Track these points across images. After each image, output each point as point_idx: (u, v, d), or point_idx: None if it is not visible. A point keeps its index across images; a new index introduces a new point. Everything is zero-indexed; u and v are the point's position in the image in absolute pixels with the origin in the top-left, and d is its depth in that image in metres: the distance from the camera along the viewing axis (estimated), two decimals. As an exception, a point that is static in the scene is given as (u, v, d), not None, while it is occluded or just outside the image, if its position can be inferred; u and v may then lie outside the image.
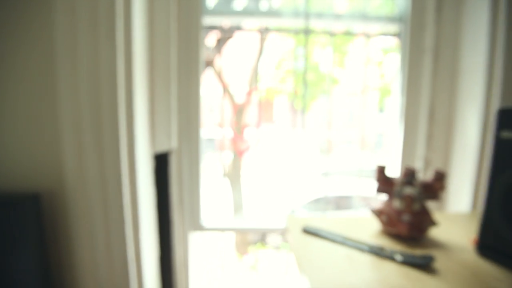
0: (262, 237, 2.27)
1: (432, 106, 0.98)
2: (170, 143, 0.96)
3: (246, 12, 1.09)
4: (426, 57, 0.97)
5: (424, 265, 0.46)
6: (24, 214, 0.79)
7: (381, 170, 0.60)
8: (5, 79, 0.82)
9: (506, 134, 0.47)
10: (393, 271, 0.46)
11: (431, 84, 0.97)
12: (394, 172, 0.64)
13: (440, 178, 0.57)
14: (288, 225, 0.65)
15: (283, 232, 1.17)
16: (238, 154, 1.58)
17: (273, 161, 1.59)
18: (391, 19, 1.03)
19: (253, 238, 2.19)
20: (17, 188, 0.83)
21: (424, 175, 0.99)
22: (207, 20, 1.00)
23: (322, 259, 0.50)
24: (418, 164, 1.01)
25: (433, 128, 0.98)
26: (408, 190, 0.56)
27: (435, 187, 0.57)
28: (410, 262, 0.47)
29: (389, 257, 0.50)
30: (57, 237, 0.87)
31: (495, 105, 0.85)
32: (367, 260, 0.50)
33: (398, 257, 0.49)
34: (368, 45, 1.24)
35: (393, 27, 1.03)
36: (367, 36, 1.12)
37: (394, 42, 1.10)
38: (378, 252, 0.51)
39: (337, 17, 1.02)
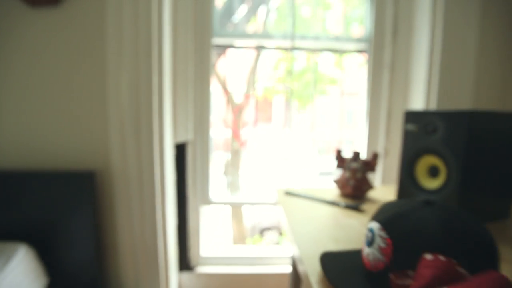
0: (260, 232, 2.52)
1: (389, 108, 1.27)
2: (187, 136, 1.25)
3: (245, 35, 1.37)
4: (385, 70, 1.26)
5: (356, 207, 0.75)
6: (83, 187, 1.07)
7: (338, 153, 0.89)
8: (73, 88, 1.10)
9: (409, 126, 0.76)
10: (340, 212, 0.75)
11: (389, 90, 1.26)
12: (348, 154, 0.89)
13: (375, 158, 0.86)
14: (276, 192, 0.93)
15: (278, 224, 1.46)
16: (238, 143, 1.87)
17: (268, 153, 1.87)
18: (360, 40, 1.31)
19: (251, 232, 2.44)
20: (78, 168, 1.12)
21: (384, 159, 1.28)
22: (215, 40, 1.28)
23: (296, 209, 0.79)
24: (380, 151, 1.29)
25: (390, 125, 1.27)
26: (353, 165, 0.84)
27: (372, 163, 0.86)
28: (349, 206, 0.76)
29: (338, 205, 0.78)
30: (105, 204, 1.15)
31: (433, 106, 1.13)
32: (325, 207, 0.79)
33: (342, 204, 0.77)
34: (343, 60, 1.52)
35: (362, 46, 1.31)
36: (342, 52, 1.40)
37: (363, 58, 1.38)
38: (332, 203, 0.80)
39: (317, 38, 1.31)
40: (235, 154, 1.89)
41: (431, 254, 0.34)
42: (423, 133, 0.72)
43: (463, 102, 1.13)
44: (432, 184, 0.71)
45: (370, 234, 0.42)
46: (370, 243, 0.41)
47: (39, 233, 1.05)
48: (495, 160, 0.67)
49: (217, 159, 1.85)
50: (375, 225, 0.41)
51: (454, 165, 0.65)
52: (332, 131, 1.83)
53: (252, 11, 1.93)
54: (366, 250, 0.42)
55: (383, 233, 0.39)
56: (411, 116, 0.77)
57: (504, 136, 0.68)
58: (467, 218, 0.39)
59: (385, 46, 1.26)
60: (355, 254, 0.47)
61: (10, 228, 1.04)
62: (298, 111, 2.17)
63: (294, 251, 0.59)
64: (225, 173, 1.83)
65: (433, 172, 0.72)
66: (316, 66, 1.64)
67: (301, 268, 0.53)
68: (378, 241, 0.39)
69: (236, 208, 2.01)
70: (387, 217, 0.41)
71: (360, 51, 1.34)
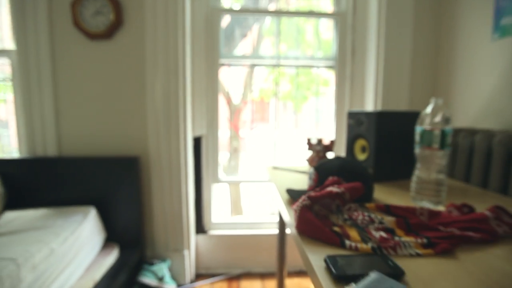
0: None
1: (350, 108, 1.72)
2: (202, 131, 1.68)
3: (242, 56, 1.80)
4: (346, 81, 1.71)
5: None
6: (130, 168, 1.49)
7: (308, 140, 1.33)
8: (121, 97, 1.52)
9: (350, 121, 1.21)
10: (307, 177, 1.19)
11: (350, 96, 1.71)
12: (316, 140, 1.32)
13: (332, 143, 1.30)
14: (267, 168, 1.37)
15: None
16: (238, 137, 2.31)
17: (262, 144, 2.31)
18: (328, 59, 1.76)
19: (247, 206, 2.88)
20: (127, 154, 1.54)
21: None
22: (221, 61, 1.71)
23: (282, 178, 1.23)
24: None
25: (352, 121, 1.72)
26: (317, 148, 1.29)
27: (330, 146, 1.30)
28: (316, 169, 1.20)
29: (307, 173, 1.23)
30: (144, 181, 1.58)
31: (379, 107, 1.58)
32: (300, 175, 1.23)
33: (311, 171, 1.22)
34: (318, 74, 1.97)
35: (330, 63, 1.76)
36: (317, 67, 1.85)
37: (331, 72, 1.83)
38: (304, 172, 1.24)
39: (296, 57, 1.75)
40: (235, 151, 2.33)
41: (331, 177, 0.78)
42: (356, 125, 1.17)
43: (401, 104, 1.58)
44: (362, 156, 1.16)
45: (309, 175, 0.86)
46: (309, 178, 0.86)
47: (101, 201, 1.48)
48: (394, 141, 1.11)
49: (222, 151, 2.28)
50: (312, 170, 0.86)
51: (372, 145, 1.09)
52: (311, 126, 2.26)
53: (245, 35, 2.38)
54: (308, 182, 0.86)
55: (314, 171, 0.84)
56: (350, 115, 1.21)
57: (398, 126, 1.12)
58: (353, 162, 0.84)
59: (346, 63, 1.71)
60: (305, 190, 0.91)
61: (83, 197, 1.46)
62: (293, 111, 2.63)
63: (280, 213, 1.03)
64: (228, 160, 2.28)
65: (363, 149, 1.17)
66: (299, 76, 2.08)
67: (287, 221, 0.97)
68: (312, 176, 0.84)
69: (235, 186, 2.48)
70: (317, 164, 0.85)
71: (329, 67, 1.78)
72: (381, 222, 0.63)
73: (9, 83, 1.66)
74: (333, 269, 0.46)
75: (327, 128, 1.88)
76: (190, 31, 1.55)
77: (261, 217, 1.87)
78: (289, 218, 0.72)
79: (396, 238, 0.57)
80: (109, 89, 1.52)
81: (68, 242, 1.14)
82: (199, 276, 1.74)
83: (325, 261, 0.49)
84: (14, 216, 1.30)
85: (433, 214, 0.69)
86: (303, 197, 0.65)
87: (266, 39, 2.50)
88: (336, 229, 0.60)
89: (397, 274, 0.44)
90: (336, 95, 1.74)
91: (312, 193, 0.67)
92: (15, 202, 1.44)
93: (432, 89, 1.64)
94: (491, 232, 0.61)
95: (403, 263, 0.49)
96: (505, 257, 0.54)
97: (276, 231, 1.55)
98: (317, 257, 0.52)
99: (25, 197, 1.46)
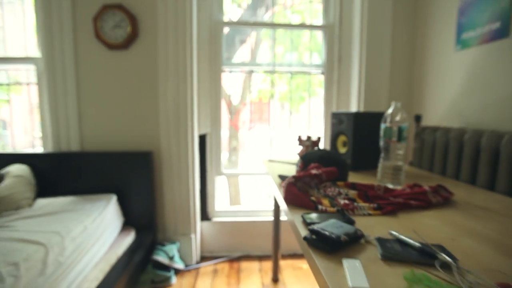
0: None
1: (337, 109, 1.94)
2: (206, 130, 1.90)
3: (242, 63, 2.02)
4: (334, 85, 1.93)
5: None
6: (144, 162, 1.71)
7: (299, 137, 1.55)
8: (136, 99, 1.74)
9: (333, 120, 1.43)
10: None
11: (337, 98, 1.93)
12: (305, 137, 1.53)
13: (318, 139, 1.52)
14: (263, 161, 1.59)
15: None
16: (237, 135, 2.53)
17: (259, 141, 2.53)
18: (318, 66, 1.98)
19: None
20: (141, 149, 1.76)
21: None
22: (223, 68, 1.93)
23: (276, 168, 1.45)
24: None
25: (339, 121, 1.94)
26: (307, 143, 1.51)
27: (317, 142, 1.52)
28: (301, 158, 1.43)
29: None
30: (156, 173, 1.79)
31: (362, 108, 1.80)
32: (291, 167, 1.45)
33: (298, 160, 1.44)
34: (310, 78, 2.18)
35: (320, 69, 1.98)
36: (309, 73, 2.07)
37: (321, 77, 2.05)
38: (295, 163, 1.46)
39: (290, 65, 1.97)
40: (234, 148, 2.55)
41: (313, 163, 1.01)
42: (338, 123, 1.39)
43: (380, 105, 1.80)
44: (343, 149, 1.38)
45: (297, 163, 1.08)
46: (297, 165, 1.08)
47: (119, 191, 1.69)
48: (368, 137, 1.33)
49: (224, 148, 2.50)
50: (299, 159, 1.08)
51: (350, 140, 1.32)
52: (305, 124, 2.48)
53: (244, 41, 2.60)
54: (296, 169, 1.09)
55: (300, 160, 1.06)
56: (333, 115, 1.44)
57: (372, 125, 1.34)
58: (331, 153, 1.06)
59: (334, 69, 1.93)
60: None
61: (103, 187, 1.68)
62: (291, 112, 2.86)
63: (276, 201, 1.24)
64: (229, 155, 2.50)
65: (344, 144, 1.39)
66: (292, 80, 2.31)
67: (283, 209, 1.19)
68: (298, 163, 1.06)
69: (234, 179, 2.71)
70: (303, 155, 1.08)
71: (318, 73, 2.01)
72: (346, 194, 0.86)
73: (36, 87, 1.88)
74: (306, 220, 0.68)
75: (318, 126, 2.10)
76: (196, 42, 1.76)
77: (258, 206, 2.09)
78: (280, 195, 0.94)
79: (355, 204, 0.79)
80: (126, 92, 1.74)
81: (97, 221, 1.35)
82: (203, 258, 1.96)
83: (302, 216, 0.71)
84: (46, 202, 1.51)
85: (387, 189, 0.91)
86: (290, 177, 0.88)
87: (263, 41, 2.73)
88: (313, 198, 0.83)
89: (349, 221, 0.66)
90: (325, 97, 1.97)
91: (296, 174, 0.89)
92: (45, 191, 1.65)
93: (407, 92, 1.87)
94: (427, 201, 0.83)
95: (358, 219, 0.72)
96: (432, 216, 0.77)
97: (271, 218, 1.77)
98: (297, 216, 0.74)
99: (52, 187, 1.67)
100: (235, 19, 2.30)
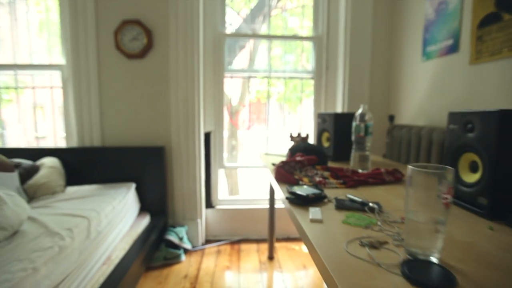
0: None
1: (325, 110, 2.22)
2: (211, 128, 2.17)
3: (241, 70, 2.29)
4: (322, 89, 2.22)
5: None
6: (158, 155, 1.98)
7: (290, 134, 1.83)
8: (151, 101, 2.01)
9: (319, 120, 1.71)
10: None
11: (324, 101, 2.21)
12: (296, 134, 1.81)
13: (307, 136, 1.80)
14: (260, 155, 1.86)
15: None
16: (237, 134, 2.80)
17: (257, 138, 2.80)
18: (309, 72, 2.26)
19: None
20: (155, 145, 2.03)
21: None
22: (225, 74, 2.20)
23: (270, 160, 1.72)
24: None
25: (326, 120, 2.22)
26: (297, 139, 1.79)
27: (305, 138, 1.80)
28: (289, 150, 1.71)
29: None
30: (168, 166, 2.07)
31: (346, 109, 2.08)
32: (283, 158, 1.72)
33: (287, 151, 1.72)
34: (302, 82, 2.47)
35: (310, 75, 2.26)
36: (300, 79, 2.35)
37: (311, 82, 2.33)
38: (286, 155, 1.74)
39: (284, 71, 2.25)
40: (234, 146, 2.83)
41: (298, 153, 1.28)
42: (322, 122, 1.67)
43: (362, 107, 2.08)
44: (327, 144, 1.66)
45: (286, 154, 1.36)
46: (286, 155, 1.36)
47: (136, 180, 1.96)
48: (346, 133, 1.61)
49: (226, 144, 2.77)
50: (287, 150, 1.36)
51: (332, 136, 1.59)
52: (298, 123, 2.76)
53: (244, 46, 2.88)
54: (285, 158, 1.37)
55: (288, 151, 1.34)
56: (318, 115, 1.72)
57: (349, 123, 1.62)
58: (312, 145, 1.34)
59: (322, 75, 2.22)
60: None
61: (124, 176, 1.95)
62: (288, 112, 3.14)
63: (271, 190, 1.52)
64: (230, 151, 2.78)
65: (327, 139, 1.67)
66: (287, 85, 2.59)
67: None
68: (287, 154, 1.34)
69: (233, 171, 2.99)
70: (291, 147, 1.36)
71: (309, 78, 2.29)
72: (322, 175, 1.13)
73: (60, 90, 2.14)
74: (290, 190, 0.96)
75: (309, 125, 2.38)
76: (202, 51, 2.04)
77: (256, 195, 2.36)
78: (272, 176, 1.21)
79: (327, 180, 1.07)
80: (141, 95, 2.01)
81: (121, 204, 1.63)
82: (208, 241, 2.23)
83: (287, 187, 0.99)
84: (76, 189, 1.78)
85: (354, 171, 1.19)
86: (279, 162, 1.15)
87: (261, 44, 2.99)
88: (296, 177, 1.10)
89: (318, 189, 0.94)
90: (314, 99, 2.25)
91: (285, 160, 1.17)
92: (72, 181, 1.92)
93: (384, 95, 2.15)
94: (381, 179, 1.11)
95: (327, 190, 0.99)
96: (382, 189, 1.04)
97: (267, 206, 2.04)
98: (284, 189, 1.02)
99: (78, 177, 1.94)
100: (236, 26, 2.59)
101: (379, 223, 0.70)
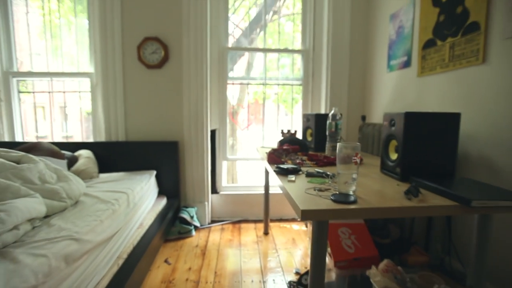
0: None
1: (312, 112, 2.65)
2: (216, 126, 2.59)
3: (240, 77, 2.72)
4: (309, 94, 2.65)
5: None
6: (173, 149, 2.40)
7: (281, 130, 2.25)
8: (167, 103, 2.43)
9: (304, 119, 2.14)
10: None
11: (311, 103, 2.65)
12: (286, 131, 2.24)
13: (295, 132, 2.23)
14: (257, 148, 2.29)
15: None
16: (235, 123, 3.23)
17: (254, 134, 3.23)
18: (298, 79, 2.69)
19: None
20: (171, 140, 2.45)
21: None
22: (228, 81, 2.63)
23: (265, 150, 2.15)
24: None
25: (313, 120, 2.65)
26: (287, 135, 2.21)
27: (294, 134, 2.23)
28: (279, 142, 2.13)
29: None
30: (180, 158, 2.49)
31: (328, 111, 2.51)
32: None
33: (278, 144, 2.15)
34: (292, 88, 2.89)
35: (299, 82, 2.69)
36: (292, 85, 2.77)
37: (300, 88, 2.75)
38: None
39: (277, 78, 2.68)
40: (235, 141, 3.26)
41: (286, 143, 1.71)
42: (307, 121, 2.10)
43: (342, 108, 2.51)
44: (310, 138, 2.09)
45: (277, 145, 1.79)
46: (277, 146, 1.78)
47: (155, 168, 2.38)
48: (325, 130, 2.04)
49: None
50: (278, 142, 1.79)
51: (314, 132, 2.02)
52: (289, 122, 3.19)
53: (243, 54, 3.31)
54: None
55: (278, 143, 1.77)
56: (303, 115, 2.15)
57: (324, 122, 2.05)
58: (297, 138, 1.77)
59: (309, 82, 2.65)
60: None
61: (145, 166, 2.36)
62: (286, 113, 3.57)
63: (265, 179, 1.94)
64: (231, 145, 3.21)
65: (311, 135, 2.10)
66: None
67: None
68: (277, 145, 1.77)
69: (233, 162, 3.42)
70: (280, 140, 1.79)
71: (298, 84, 2.72)
72: (301, 159, 1.56)
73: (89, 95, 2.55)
74: (277, 169, 1.39)
75: (299, 123, 2.80)
76: (209, 62, 2.45)
77: (253, 183, 2.79)
78: (266, 160, 1.64)
79: (304, 162, 1.50)
80: (159, 99, 2.43)
81: (146, 186, 2.04)
82: (213, 221, 2.65)
83: (276, 167, 1.42)
84: (107, 176, 2.19)
85: (326, 157, 1.62)
86: (271, 149, 1.58)
87: (258, 52, 3.42)
88: (282, 160, 1.53)
89: (297, 166, 1.37)
90: (303, 102, 2.68)
91: (275, 148, 1.60)
92: (102, 169, 2.33)
93: (360, 98, 2.59)
94: (344, 162, 1.54)
95: (304, 168, 1.42)
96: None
97: (263, 192, 2.46)
98: (273, 166, 1.44)
99: (106, 166, 2.35)
100: (237, 36, 3.00)
101: (329, 182, 1.13)
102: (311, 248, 0.90)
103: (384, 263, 1.19)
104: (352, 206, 0.85)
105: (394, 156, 1.25)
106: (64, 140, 2.78)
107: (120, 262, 1.41)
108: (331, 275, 1.73)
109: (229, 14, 2.63)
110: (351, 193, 0.94)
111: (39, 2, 2.57)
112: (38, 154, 1.72)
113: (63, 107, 2.93)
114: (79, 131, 2.82)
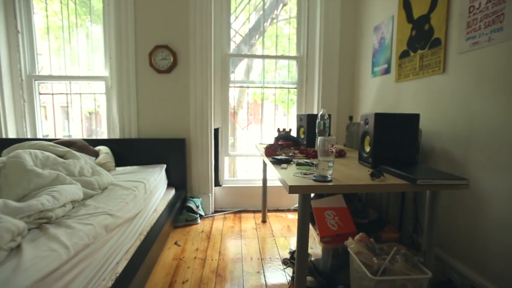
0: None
1: (305, 112, 2.93)
2: (219, 125, 2.87)
3: (240, 81, 3.01)
4: (303, 96, 2.93)
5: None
6: (180, 145, 2.68)
7: (278, 128, 2.53)
8: (175, 104, 2.71)
9: (297, 119, 2.42)
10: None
11: (305, 104, 2.93)
12: (282, 129, 2.52)
13: (290, 130, 2.51)
14: (256, 144, 2.57)
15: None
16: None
17: (253, 132, 3.51)
18: (293, 83, 2.98)
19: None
20: (177, 137, 2.73)
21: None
22: (230, 84, 2.91)
23: (263, 146, 2.43)
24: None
25: (306, 119, 2.94)
26: (282, 132, 2.49)
27: (289, 132, 2.51)
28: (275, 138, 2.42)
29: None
30: (187, 153, 2.77)
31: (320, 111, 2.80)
32: (271, 145, 2.43)
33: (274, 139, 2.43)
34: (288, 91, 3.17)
35: (294, 85, 2.97)
36: (288, 88, 3.06)
37: (296, 91, 3.03)
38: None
39: (274, 82, 2.97)
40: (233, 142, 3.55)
41: (281, 139, 2.00)
42: (300, 120, 2.38)
43: (332, 109, 2.80)
44: (303, 136, 2.37)
45: (273, 141, 2.07)
46: (273, 142, 2.07)
47: (165, 163, 2.66)
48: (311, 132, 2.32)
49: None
50: (274, 138, 2.07)
51: (306, 130, 2.30)
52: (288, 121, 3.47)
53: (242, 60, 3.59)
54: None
55: (274, 139, 2.05)
56: (297, 116, 2.43)
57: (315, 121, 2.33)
58: (290, 135, 2.05)
59: (303, 86, 2.93)
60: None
61: (155, 161, 2.64)
62: (284, 113, 3.85)
63: (263, 173, 2.22)
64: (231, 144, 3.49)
65: (303, 132, 2.38)
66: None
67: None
68: (274, 141, 2.05)
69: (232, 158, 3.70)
70: (276, 136, 2.07)
71: (294, 88, 3.00)
72: (293, 152, 1.85)
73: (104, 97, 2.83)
74: (273, 159, 1.67)
75: (294, 122, 3.08)
76: (213, 68, 2.73)
77: (252, 177, 3.07)
78: (263, 154, 1.92)
79: (296, 155, 1.78)
80: (168, 100, 2.71)
81: (158, 177, 2.32)
82: (216, 211, 2.93)
83: (271, 158, 1.70)
84: (123, 169, 2.46)
85: (315, 151, 1.90)
86: (267, 145, 1.87)
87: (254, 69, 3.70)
88: (277, 153, 1.81)
89: (289, 158, 1.65)
90: (297, 104, 2.96)
91: (271, 144, 1.88)
92: (117, 163, 2.60)
93: (348, 100, 2.87)
94: (330, 155, 1.83)
95: (295, 159, 1.70)
96: (328, 159, 1.76)
97: (261, 185, 2.74)
98: (270, 158, 1.73)
99: (122, 160, 2.63)
100: (237, 41, 3.28)
101: (314, 169, 1.41)
102: (298, 215, 1.18)
103: (359, 235, 1.47)
104: (328, 184, 1.14)
105: (368, 149, 1.53)
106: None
107: (142, 237, 1.69)
108: (318, 251, 2.01)
109: (231, 20, 2.91)
110: (328, 175, 1.22)
111: (59, 16, 2.84)
112: (75, 149, 2.00)
113: (64, 107, 3.18)
114: (79, 130, 3.04)
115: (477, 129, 1.48)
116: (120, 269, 1.34)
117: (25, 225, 1.04)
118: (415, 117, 1.45)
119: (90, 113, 3.23)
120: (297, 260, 1.25)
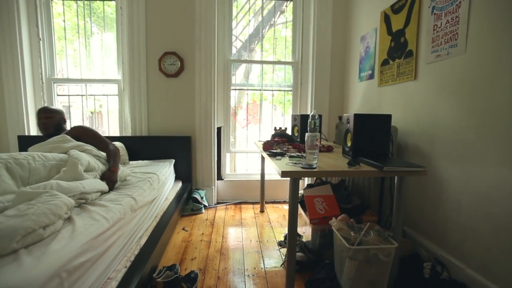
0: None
1: (300, 113, 3.22)
2: (221, 124, 3.16)
3: (240, 84, 3.29)
4: (298, 98, 3.22)
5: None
6: (186, 142, 2.97)
7: (275, 127, 2.82)
8: (182, 104, 3.00)
9: (292, 119, 2.71)
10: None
11: (300, 106, 3.22)
12: (278, 127, 2.80)
13: (285, 129, 2.80)
14: (255, 142, 2.85)
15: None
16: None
17: (252, 130, 3.79)
18: (289, 86, 3.26)
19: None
20: (184, 134, 3.02)
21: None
22: (231, 87, 3.19)
23: (261, 143, 2.71)
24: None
25: (301, 119, 3.23)
26: (278, 131, 2.78)
27: (284, 130, 2.80)
28: (272, 135, 2.70)
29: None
30: (192, 150, 3.05)
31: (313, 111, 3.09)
32: (269, 142, 2.72)
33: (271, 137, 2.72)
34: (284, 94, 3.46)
35: (290, 88, 3.26)
36: (285, 91, 3.34)
37: (291, 93, 3.32)
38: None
39: (271, 85, 3.25)
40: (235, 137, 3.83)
41: (277, 136, 2.28)
42: (294, 120, 2.67)
43: (324, 110, 3.09)
44: (297, 134, 2.66)
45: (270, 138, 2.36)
46: (270, 139, 2.35)
47: (173, 158, 2.94)
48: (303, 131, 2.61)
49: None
50: (271, 136, 2.36)
51: (299, 129, 2.59)
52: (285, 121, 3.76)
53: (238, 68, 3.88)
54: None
55: (271, 136, 2.34)
56: (292, 116, 2.72)
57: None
58: (285, 133, 2.34)
59: (298, 89, 3.22)
60: (269, 143, 2.41)
61: (164, 156, 2.92)
62: (282, 113, 4.13)
63: (261, 168, 2.50)
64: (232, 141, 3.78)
65: (297, 131, 2.67)
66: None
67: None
68: (270, 137, 2.34)
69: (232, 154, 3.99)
70: (273, 134, 2.36)
71: (289, 90, 3.29)
72: (287, 147, 2.14)
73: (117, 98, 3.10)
74: (269, 153, 1.96)
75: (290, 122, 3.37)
76: (216, 72, 3.01)
77: (251, 171, 3.35)
78: (262, 148, 2.20)
79: (290, 150, 2.07)
80: (176, 102, 2.99)
81: (168, 170, 2.60)
82: (218, 203, 3.21)
83: (268, 152, 1.99)
84: (136, 163, 2.74)
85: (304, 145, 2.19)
86: (265, 141, 2.15)
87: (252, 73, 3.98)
88: (274, 148, 2.10)
89: (284, 152, 1.94)
90: (292, 105, 3.25)
91: (268, 140, 2.17)
92: (129, 158, 2.88)
93: (338, 102, 3.16)
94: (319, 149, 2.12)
95: (289, 153, 1.99)
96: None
97: (259, 178, 3.03)
98: (267, 151, 2.02)
99: (133, 155, 2.90)
100: (238, 46, 3.56)
101: (303, 160, 1.70)
102: (289, 197, 1.47)
103: (341, 216, 1.76)
104: (313, 170, 1.43)
105: (349, 143, 1.82)
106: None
107: (157, 219, 1.97)
108: (308, 233, 2.30)
109: (232, 26, 3.19)
110: (313, 164, 1.51)
111: (74, 20, 3.12)
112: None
113: (67, 106, 3.44)
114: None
115: (440, 128, 1.77)
116: (142, 242, 1.62)
117: (73, 201, 1.32)
118: (387, 117, 1.74)
119: (92, 113, 3.49)
120: (288, 232, 1.54)
